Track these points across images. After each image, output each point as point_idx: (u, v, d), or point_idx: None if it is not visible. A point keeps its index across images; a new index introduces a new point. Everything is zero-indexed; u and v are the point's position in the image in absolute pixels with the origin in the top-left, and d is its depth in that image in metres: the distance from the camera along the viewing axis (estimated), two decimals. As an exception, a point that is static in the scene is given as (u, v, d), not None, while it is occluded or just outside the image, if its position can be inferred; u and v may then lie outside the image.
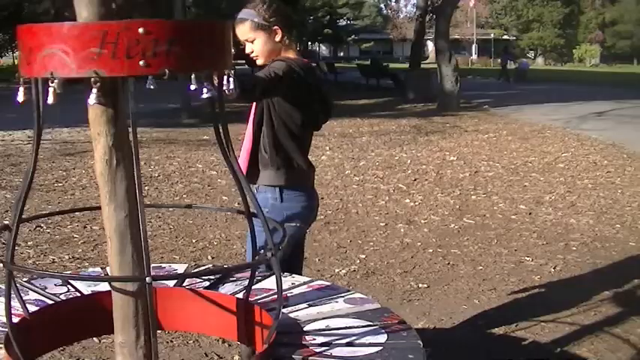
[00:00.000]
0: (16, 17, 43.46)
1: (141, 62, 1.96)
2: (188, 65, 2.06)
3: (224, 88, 2.20)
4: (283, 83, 3.74)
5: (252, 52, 3.94)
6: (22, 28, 2.12)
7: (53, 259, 6.85)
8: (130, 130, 2.11)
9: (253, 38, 3.92)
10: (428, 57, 63.84)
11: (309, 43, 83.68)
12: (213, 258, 6.89)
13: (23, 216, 2.42)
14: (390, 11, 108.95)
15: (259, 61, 3.97)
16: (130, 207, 2.30)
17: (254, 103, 3.95)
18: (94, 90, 2.00)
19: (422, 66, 32.86)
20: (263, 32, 3.93)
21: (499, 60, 55.00)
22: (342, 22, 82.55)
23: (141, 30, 1.96)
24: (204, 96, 2.12)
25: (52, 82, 2.03)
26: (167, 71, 1.98)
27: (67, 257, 6.93)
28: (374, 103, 25.67)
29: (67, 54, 1.99)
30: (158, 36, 1.97)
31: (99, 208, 2.36)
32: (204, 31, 2.14)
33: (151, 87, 2.04)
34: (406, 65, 36.91)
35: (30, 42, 2.08)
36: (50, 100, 2.03)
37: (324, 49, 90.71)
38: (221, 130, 2.37)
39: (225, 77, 2.20)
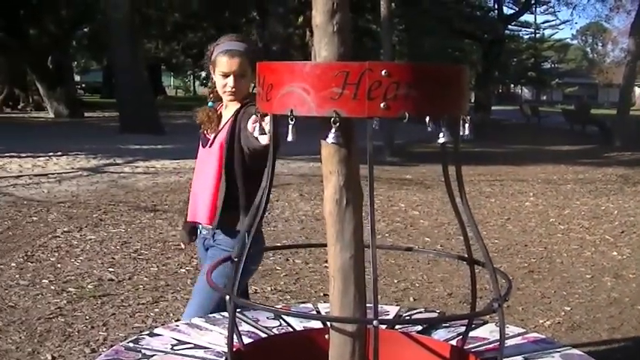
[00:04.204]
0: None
1: (382, 104, 1.95)
2: (426, 109, 2.04)
3: (460, 133, 2.17)
4: None
5: (234, 86, 3.80)
6: (263, 65, 2.16)
7: (256, 290, 6.96)
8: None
9: (245, 74, 3.81)
10: (635, 103, 61.87)
11: (512, 85, 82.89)
12: (415, 300, 6.82)
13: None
14: (596, 55, 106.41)
15: (232, 98, 3.84)
16: (356, 248, 2.29)
17: (219, 143, 3.83)
18: (333, 129, 2.01)
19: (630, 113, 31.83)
20: (253, 71, 3.67)
21: None
22: (547, 65, 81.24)
23: (383, 72, 1.95)
24: (440, 140, 2.09)
25: (292, 120, 2.05)
26: (407, 115, 1.96)
27: (269, 289, 7.03)
28: (578, 150, 24.99)
29: (307, 92, 2.01)
30: (399, 78, 1.96)
31: (325, 245, 2.36)
32: (442, 75, 2.11)
33: (376, 127, 2.03)
34: (611, 111, 35.84)
35: (270, 79, 2.12)
36: (290, 137, 2.05)
37: (526, 92, 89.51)
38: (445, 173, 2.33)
39: (462, 122, 2.17)
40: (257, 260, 4.07)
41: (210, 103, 3.99)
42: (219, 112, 3.96)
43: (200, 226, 4.03)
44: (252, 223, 2.39)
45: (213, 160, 3.83)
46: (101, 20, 32.79)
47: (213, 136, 3.88)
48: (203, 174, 3.90)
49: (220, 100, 3.96)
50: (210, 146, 3.88)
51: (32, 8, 34.10)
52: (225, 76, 3.77)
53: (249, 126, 2.99)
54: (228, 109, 3.90)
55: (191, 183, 4.12)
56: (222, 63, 3.76)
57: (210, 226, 3.86)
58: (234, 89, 3.78)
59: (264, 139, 2.67)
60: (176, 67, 62.09)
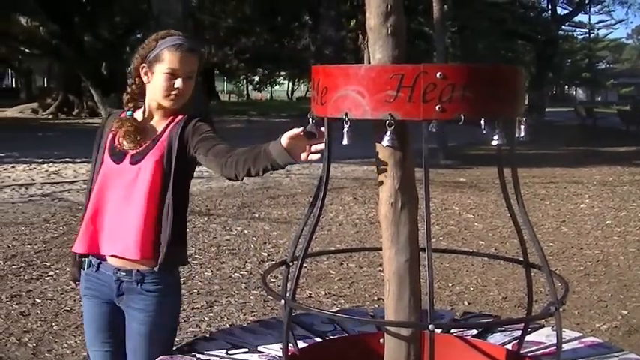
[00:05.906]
0: (276, 54, 45.35)
1: (437, 107, 1.94)
2: (482, 111, 2.02)
3: (516, 135, 2.14)
4: None
5: (183, 89, 3.14)
6: (318, 68, 2.16)
7: (310, 294, 6.96)
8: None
9: (193, 75, 3.21)
10: (691, 104, 60.93)
11: (566, 86, 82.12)
12: (469, 304, 6.77)
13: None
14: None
15: (173, 103, 3.17)
16: (412, 251, 2.28)
17: (152, 161, 3.09)
18: (388, 133, 2.00)
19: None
20: (198, 75, 3.30)
21: None
22: (601, 66, 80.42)
23: (438, 74, 1.94)
24: (494, 143, 2.07)
25: (347, 123, 2.04)
26: (463, 117, 1.95)
27: (323, 293, 7.03)
28: (634, 151, 24.61)
29: (362, 95, 2.00)
30: (454, 81, 1.95)
31: (379, 249, 2.35)
32: (498, 76, 2.09)
33: (433, 130, 2.02)
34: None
35: (325, 82, 2.11)
36: (345, 141, 2.04)
37: (580, 93, 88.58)
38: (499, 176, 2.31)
39: (517, 124, 2.15)
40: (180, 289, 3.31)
41: (129, 112, 3.23)
42: (141, 122, 3.20)
43: (108, 264, 3.24)
44: (305, 223, 2.38)
45: (142, 180, 3.07)
46: (154, 26, 33.08)
47: (138, 151, 3.12)
48: (122, 196, 3.11)
49: (139, 107, 3.25)
50: (134, 163, 3.10)
51: (87, 15, 34.50)
52: (173, 75, 3.10)
53: (284, 141, 2.44)
54: (156, 120, 3.22)
55: (87, 204, 3.25)
56: (171, 59, 3.09)
57: (147, 265, 3.08)
58: (181, 92, 3.14)
59: (304, 157, 2.38)
60: (229, 72, 62.31)
